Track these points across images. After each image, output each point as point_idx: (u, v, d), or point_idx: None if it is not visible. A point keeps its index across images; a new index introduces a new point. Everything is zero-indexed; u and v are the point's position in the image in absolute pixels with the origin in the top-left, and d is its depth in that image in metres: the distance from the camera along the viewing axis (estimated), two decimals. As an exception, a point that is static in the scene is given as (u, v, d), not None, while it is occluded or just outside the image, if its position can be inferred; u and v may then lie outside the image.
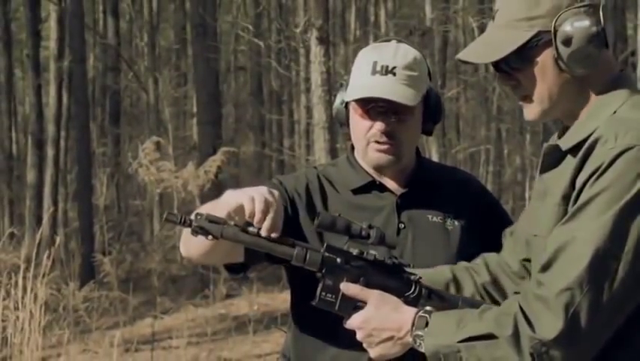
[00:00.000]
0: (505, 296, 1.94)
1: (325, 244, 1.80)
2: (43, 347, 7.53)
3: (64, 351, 7.60)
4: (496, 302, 1.95)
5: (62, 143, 16.42)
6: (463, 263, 2.00)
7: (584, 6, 1.66)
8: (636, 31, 5.20)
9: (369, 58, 2.15)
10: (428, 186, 2.21)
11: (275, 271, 11.95)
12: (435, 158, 11.97)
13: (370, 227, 1.79)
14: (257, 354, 8.89)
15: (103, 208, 13.44)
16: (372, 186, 2.20)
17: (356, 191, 2.19)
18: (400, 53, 2.15)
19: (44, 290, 4.87)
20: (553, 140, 1.79)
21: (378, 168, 2.19)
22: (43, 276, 4.88)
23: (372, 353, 1.73)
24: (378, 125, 2.12)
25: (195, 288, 11.74)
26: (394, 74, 2.10)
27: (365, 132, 2.14)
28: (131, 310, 9.26)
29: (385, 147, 2.13)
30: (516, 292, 1.78)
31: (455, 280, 1.94)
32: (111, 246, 11.65)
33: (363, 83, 2.13)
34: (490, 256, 1.99)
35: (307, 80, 11.69)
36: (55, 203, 14.87)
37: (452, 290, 1.92)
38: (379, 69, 2.11)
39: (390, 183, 2.21)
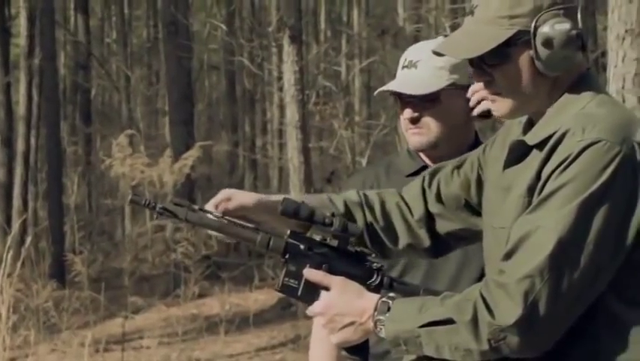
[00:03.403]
0: (396, 242, 1.94)
1: (289, 230, 1.81)
2: (12, 347, 7.45)
3: (33, 351, 7.54)
4: (382, 246, 1.94)
5: (32, 141, 16.25)
6: (361, 196, 1.96)
7: (563, 8, 1.67)
8: (606, 32, 5.26)
9: (403, 55, 2.33)
10: None
11: (247, 271, 11.94)
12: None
13: (333, 215, 1.79)
14: (228, 354, 8.86)
15: (74, 207, 13.36)
16: (424, 170, 2.32)
17: (409, 176, 2.31)
18: (429, 46, 2.25)
19: (12, 290, 4.82)
20: (509, 136, 1.81)
21: (421, 152, 2.33)
22: (9, 276, 4.83)
23: (335, 339, 1.73)
24: (405, 114, 2.29)
25: (167, 287, 11.68)
26: (416, 67, 2.26)
27: (402, 121, 2.32)
28: (101, 310, 9.19)
29: (415, 130, 2.27)
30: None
31: (347, 215, 1.92)
32: (82, 245, 11.58)
33: (395, 80, 2.31)
34: (389, 195, 1.97)
35: (280, 78, 11.68)
36: (25, 202, 14.73)
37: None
38: (406, 64, 2.29)
39: None
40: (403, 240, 1.94)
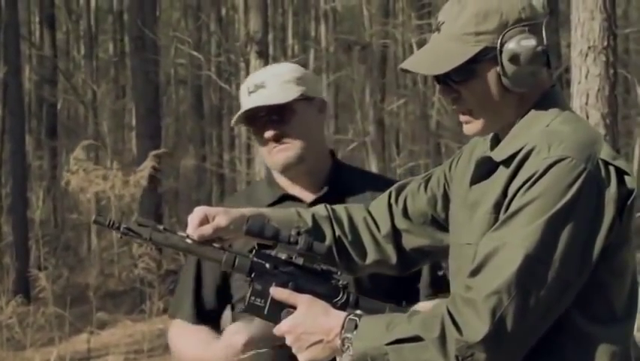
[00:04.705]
0: (364, 257, 1.94)
1: (255, 250, 1.80)
2: (-25, 365, 7.34)
3: (-4, 369, 7.42)
4: (349, 261, 1.93)
5: (-3, 155, 16.11)
6: (329, 210, 1.96)
7: (529, 24, 1.68)
8: (569, 48, 5.34)
9: (243, 86, 2.30)
10: (343, 190, 2.26)
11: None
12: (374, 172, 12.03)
13: (299, 234, 1.79)
14: (195, 370, 8.79)
15: (38, 222, 13.20)
16: (285, 198, 2.28)
17: (270, 205, 2.24)
18: (268, 69, 2.32)
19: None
20: (475, 151, 1.82)
21: (285, 172, 2.27)
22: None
23: (302, 357, 1.71)
24: (266, 135, 2.24)
25: (133, 303, 11.59)
26: (264, 87, 2.24)
27: (262, 146, 2.27)
28: (67, 326, 9.10)
29: (281, 147, 2.23)
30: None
31: (316, 229, 1.92)
32: (47, 261, 11.44)
33: (243, 107, 2.27)
34: (356, 210, 1.98)
35: (247, 93, 11.65)
36: (-12, 217, 14.57)
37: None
38: (252, 89, 2.25)
39: (302, 193, 2.28)
40: (371, 255, 1.94)
